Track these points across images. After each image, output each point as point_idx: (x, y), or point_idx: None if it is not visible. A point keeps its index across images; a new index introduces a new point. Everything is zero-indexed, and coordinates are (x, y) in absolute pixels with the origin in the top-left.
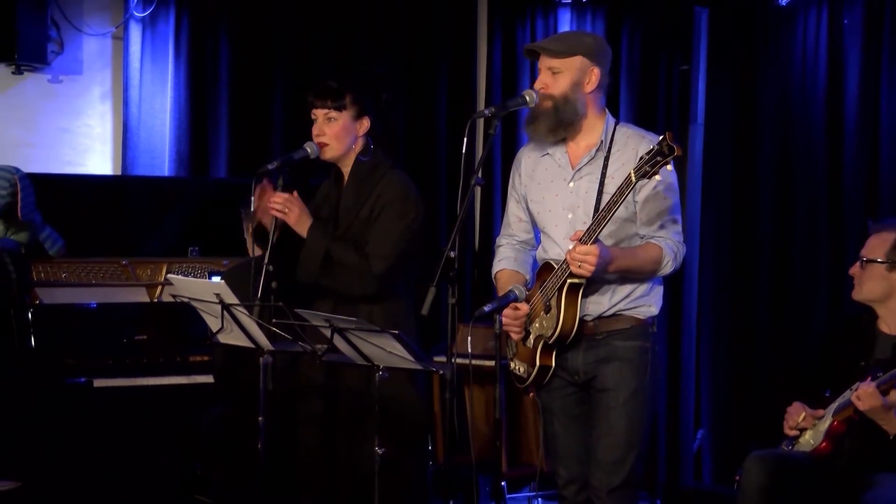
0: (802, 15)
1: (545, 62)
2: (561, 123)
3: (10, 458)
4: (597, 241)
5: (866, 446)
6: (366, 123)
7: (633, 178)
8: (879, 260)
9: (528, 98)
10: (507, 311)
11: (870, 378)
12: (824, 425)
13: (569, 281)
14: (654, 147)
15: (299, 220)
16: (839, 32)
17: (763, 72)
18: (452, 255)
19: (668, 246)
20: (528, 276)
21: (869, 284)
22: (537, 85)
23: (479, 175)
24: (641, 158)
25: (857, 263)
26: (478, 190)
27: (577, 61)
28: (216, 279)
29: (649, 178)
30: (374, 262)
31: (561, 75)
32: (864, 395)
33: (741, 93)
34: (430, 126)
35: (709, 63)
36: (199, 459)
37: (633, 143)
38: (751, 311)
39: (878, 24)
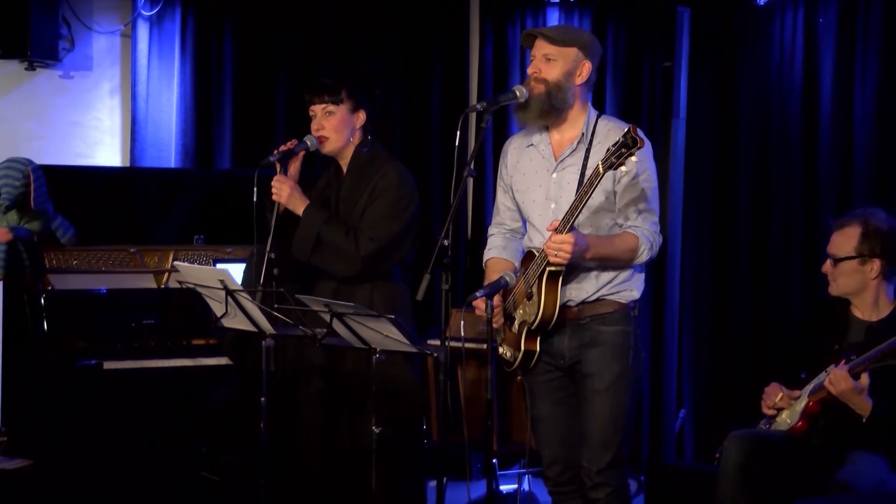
0: (780, 14)
1: (541, 49)
2: (552, 109)
3: (23, 437)
4: (573, 229)
5: (840, 426)
6: (362, 116)
7: (601, 170)
8: (851, 256)
9: (517, 93)
10: (479, 304)
11: (843, 361)
12: (800, 405)
13: (548, 269)
14: (619, 139)
15: (290, 198)
16: (814, 31)
17: (742, 68)
18: (446, 243)
19: (643, 235)
20: (516, 263)
21: (843, 280)
22: (531, 69)
23: (472, 167)
24: (608, 150)
25: (828, 262)
26: (470, 181)
27: (572, 52)
28: (221, 266)
29: (615, 169)
30: (362, 243)
31: (555, 63)
32: (836, 378)
33: (721, 88)
34: (425, 120)
35: (691, 60)
36: (205, 438)
37: (614, 136)
38: (730, 297)
39: (851, 23)
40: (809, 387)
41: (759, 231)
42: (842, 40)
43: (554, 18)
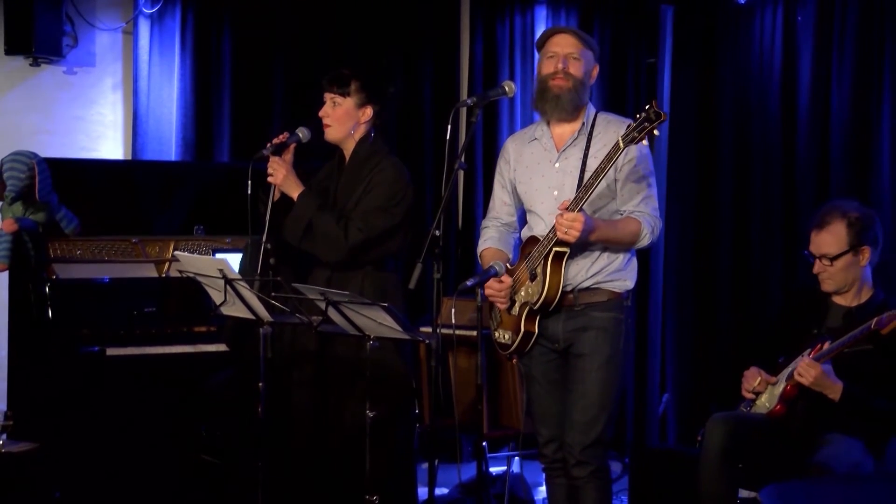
0: (759, 13)
1: (567, 47)
2: (579, 104)
3: (28, 420)
4: (582, 210)
5: (817, 409)
6: (369, 112)
7: (622, 144)
8: (845, 250)
9: (506, 89)
10: (492, 284)
11: (820, 346)
12: (778, 389)
13: (554, 249)
14: (641, 114)
15: (286, 180)
16: (793, 29)
17: (724, 65)
18: (437, 233)
19: (645, 220)
20: (510, 255)
21: (842, 276)
22: (558, 65)
23: (462, 160)
24: (629, 126)
25: (819, 262)
26: (461, 173)
27: (590, 54)
28: (219, 255)
29: (636, 143)
30: (351, 232)
31: (579, 62)
32: (804, 369)
33: (703, 84)
34: (417, 115)
35: (673, 57)
36: (205, 422)
37: (614, 127)
38: (712, 285)
39: (828, 21)
40: (787, 371)
41: (739, 221)
42: (819, 38)
43: (542, 16)
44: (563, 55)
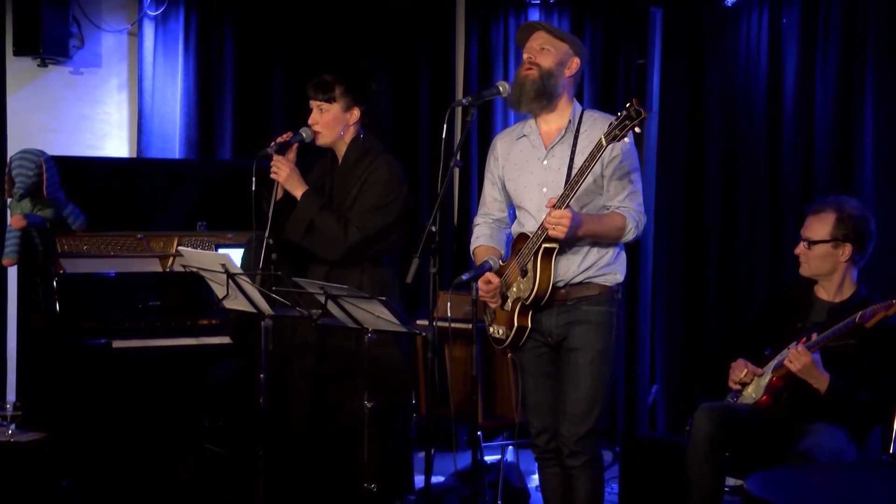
0: (746, 14)
1: (538, 39)
2: (545, 92)
3: (36, 411)
4: (569, 206)
5: (801, 399)
6: (356, 113)
7: (604, 142)
8: (825, 239)
9: (500, 88)
10: (482, 285)
11: (804, 339)
12: (764, 381)
13: (544, 245)
14: (622, 112)
15: (289, 179)
16: (778, 30)
17: (711, 65)
18: (433, 229)
19: (630, 215)
20: (502, 251)
21: (816, 262)
22: (525, 55)
23: (458, 158)
24: (611, 124)
25: (802, 244)
26: (456, 171)
27: (564, 47)
28: (222, 250)
29: (618, 140)
30: (350, 232)
31: (549, 52)
32: (795, 356)
33: (692, 84)
34: (414, 114)
35: (663, 58)
36: (208, 412)
37: (601, 124)
38: (700, 279)
39: (812, 23)
40: (773, 363)
41: (726, 217)
42: (804, 39)
43: (535, 18)
44: (533, 47)
